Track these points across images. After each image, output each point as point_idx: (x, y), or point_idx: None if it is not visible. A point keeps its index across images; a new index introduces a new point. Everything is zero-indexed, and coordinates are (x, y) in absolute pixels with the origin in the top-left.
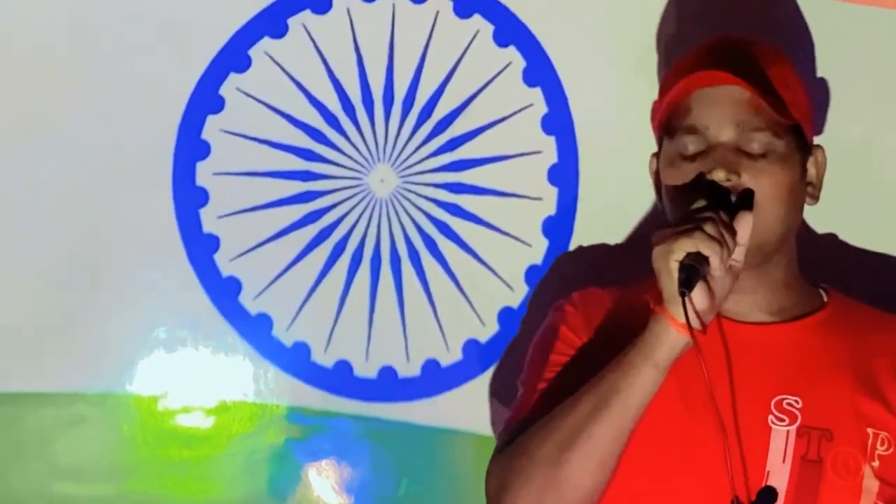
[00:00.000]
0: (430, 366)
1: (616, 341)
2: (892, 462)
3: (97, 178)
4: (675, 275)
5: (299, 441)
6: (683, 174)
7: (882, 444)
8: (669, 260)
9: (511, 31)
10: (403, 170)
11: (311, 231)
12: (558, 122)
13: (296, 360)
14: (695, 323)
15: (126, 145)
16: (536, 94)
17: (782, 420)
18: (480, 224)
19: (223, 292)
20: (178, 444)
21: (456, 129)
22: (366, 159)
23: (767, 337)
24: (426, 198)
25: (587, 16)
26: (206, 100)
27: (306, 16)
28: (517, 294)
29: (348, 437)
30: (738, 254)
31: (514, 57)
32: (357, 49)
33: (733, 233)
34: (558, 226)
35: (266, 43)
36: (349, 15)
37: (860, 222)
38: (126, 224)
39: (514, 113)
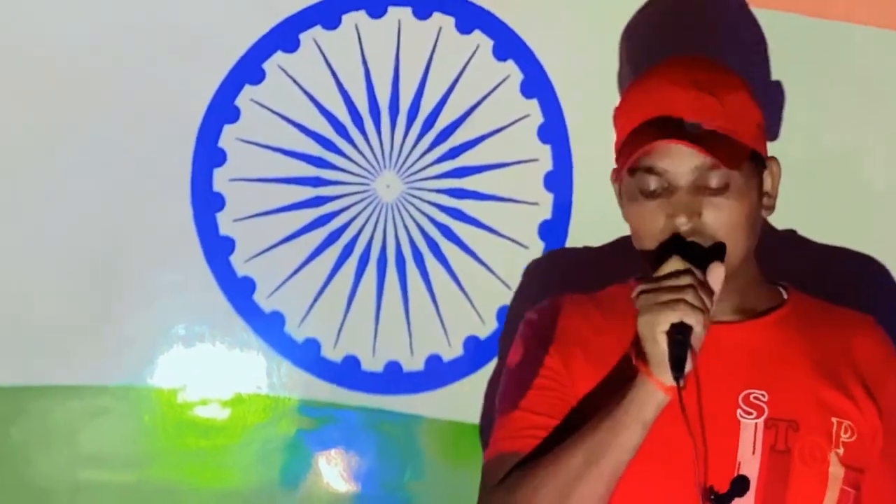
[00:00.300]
0: (433, 360)
1: (593, 349)
2: (856, 449)
3: (120, 185)
4: (662, 345)
5: (310, 431)
6: (646, 211)
7: (846, 432)
8: (655, 332)
9: (509, 46)
10: (408, 176)
11: (321, 234)
12: (554, 132)
13: (307, 356)
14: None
15: (147, 153)
16: (533, 105)
17: (750, 413)
18: (480, 227)
19: (238, 291)
20: (196, 434)
21: (457, 138)
22: (373, 166)
23: (732, 335)
24: (429, 203)
25: (582, 31)
26: (222, 110)
27: (317, 31)
28: None
29: (356, 427)
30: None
31: (512, 70)
32: (364, 63)
33: (711, 293)
34: (553, 229)
35: (279, 57)
36: (357, 31)
37: (844, 227)
38: (147, 228)
39: (512, 123)
